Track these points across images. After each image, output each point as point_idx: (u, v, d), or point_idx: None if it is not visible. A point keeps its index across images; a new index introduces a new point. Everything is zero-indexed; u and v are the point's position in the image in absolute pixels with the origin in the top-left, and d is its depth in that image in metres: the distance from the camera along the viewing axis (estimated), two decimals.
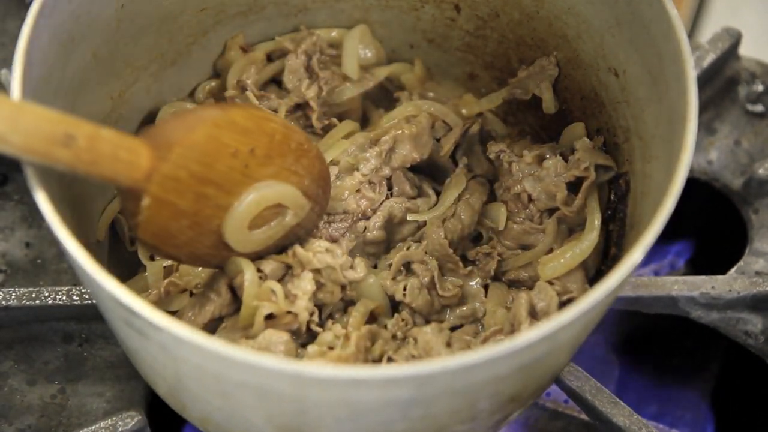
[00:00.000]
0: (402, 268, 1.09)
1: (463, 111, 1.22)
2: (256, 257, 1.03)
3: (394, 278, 1.08)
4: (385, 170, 1.12)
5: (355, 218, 1.10)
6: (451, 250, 1.09)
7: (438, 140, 1.18)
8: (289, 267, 1.04)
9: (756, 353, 1.19)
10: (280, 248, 1.04)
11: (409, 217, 1.12)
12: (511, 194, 1.12)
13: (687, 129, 0.89)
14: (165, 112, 1.18)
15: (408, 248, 1.10)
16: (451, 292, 1.09)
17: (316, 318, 1.02)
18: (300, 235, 1.05)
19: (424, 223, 1.12)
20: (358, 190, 1.11)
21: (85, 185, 1.02)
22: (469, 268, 1.11)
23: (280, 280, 1.03)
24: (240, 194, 0.96)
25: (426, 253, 1.10)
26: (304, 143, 1.01)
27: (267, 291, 1.00)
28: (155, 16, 1.11)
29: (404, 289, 1.07)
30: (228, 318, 1.03)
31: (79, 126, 0.84)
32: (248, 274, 1.00)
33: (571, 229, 1.12)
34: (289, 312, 1.00)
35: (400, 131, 1.13)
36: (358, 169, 1.11)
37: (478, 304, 1.10)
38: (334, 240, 1.08)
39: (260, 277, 1.01)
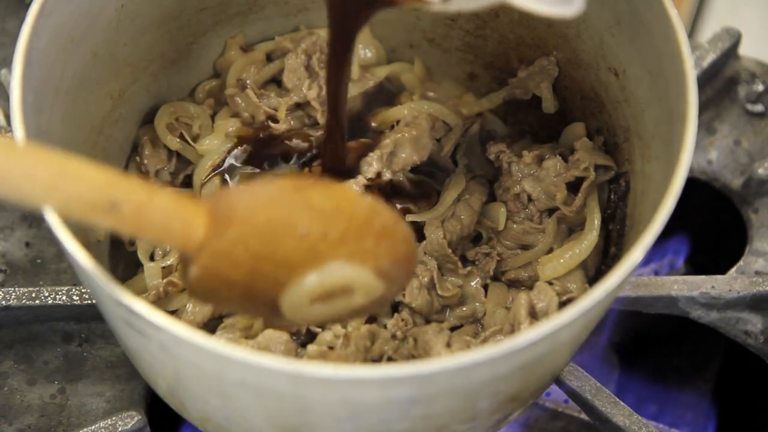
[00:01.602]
0: None
1: (463, 111, 1.22)
2: None
3: None
4: (386, 174, 1.12)
5: None
6: (450, 251, 1.09)
7: (438, 140, 1.18)
8: None
9: (756, 353, 1.19)
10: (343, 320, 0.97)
11: (409, 218, 1.12)
12: (510, 194, 1.12)
13: (687, 129, 0.89)
14: (164, 112, 1.18)
15: None
16: (451, 292, 1.08)
17: None
18: (370, 310, 0.95)
19: (424, 223, 1.12)
20: None
21: None
22: (469, 268, 1.11)
23: None
24: (303, 273, 0.83)
25: (425, 253, 1.09)
26: (390, 225, 0.86)
27: None
28: (155, 16, 1.11)
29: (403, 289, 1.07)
30: (228, 318, 1.03)
31: (129, 193, 0.75)
32: None
33: (571, 229, 1.12)
34: None
35: (400, 135, 1.13)
36: (360, 173, 1.12)
37: (477, 304, 1.10)
38: None
39: None
